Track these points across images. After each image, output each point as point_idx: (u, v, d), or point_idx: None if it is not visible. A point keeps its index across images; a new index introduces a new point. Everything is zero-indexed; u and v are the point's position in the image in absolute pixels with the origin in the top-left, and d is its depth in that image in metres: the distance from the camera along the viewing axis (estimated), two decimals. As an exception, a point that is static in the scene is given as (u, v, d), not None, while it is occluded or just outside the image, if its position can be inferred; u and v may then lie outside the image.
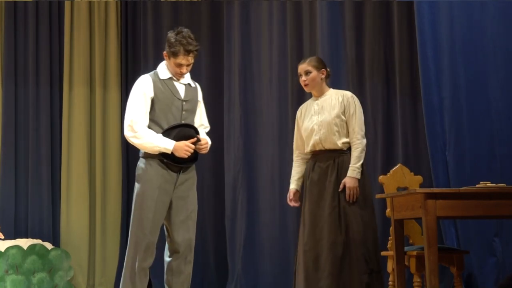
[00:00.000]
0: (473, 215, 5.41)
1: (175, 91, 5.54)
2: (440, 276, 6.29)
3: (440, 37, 6.81)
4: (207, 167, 8.85)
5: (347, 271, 6.07)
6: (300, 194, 6.39)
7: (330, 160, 6.22)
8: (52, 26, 9.29)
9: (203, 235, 8.80)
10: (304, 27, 8.12)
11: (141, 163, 5.50)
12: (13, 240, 8.69)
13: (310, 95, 7.94)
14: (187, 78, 5.64)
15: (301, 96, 8.05)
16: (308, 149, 6.31)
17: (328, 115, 6.22)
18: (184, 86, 5.60)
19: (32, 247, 8.57)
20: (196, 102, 5.65)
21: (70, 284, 8.76)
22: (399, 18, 7.32)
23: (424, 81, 6.84)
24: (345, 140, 6.21)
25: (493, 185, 5.39)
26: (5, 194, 9.01)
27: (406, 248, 5.88)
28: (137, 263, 5.40)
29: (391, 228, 5.88)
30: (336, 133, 6.19)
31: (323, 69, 6.29)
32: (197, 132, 5.58)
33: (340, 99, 6.23)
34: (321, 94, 6.33)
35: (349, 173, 6.10)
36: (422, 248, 5.66)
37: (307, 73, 6.29)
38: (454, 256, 5.96)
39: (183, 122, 5.53)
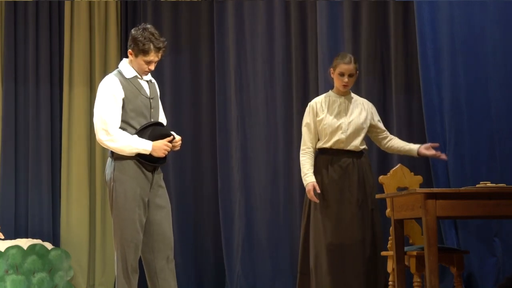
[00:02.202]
0: (473, 215, 5.41)
1: (141, 90, 5.43)
2: (440, 276, 6.29)
3: (440, 37, 6.81)
4: (204, 167, 8.85)
5: (375, 270, 6.10)
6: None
7: (349, 159, 6.22)
8: (52, 26, 9.29)
9: (201, 236, 8.80)
10: (304, 26, 8.12)
11: (115, 164, 5.35)
12: (13, 240, 8.69)
13: (312, 94, 7.97)
14: (148, 75, 5.52)
15: (303, 96, 8.06)
16: (327, 144, 6.25)
17: (357, 118, 6.24)
18: (147, 83, 5.49)
19: (32, 247, 8.57)
20: (158, 98, 5.57)
21: (70, 284, 8.76)
22: (396, 17, 7.32)
23: (424, 81, 6.84)
24: (363, 146, 6.26)
25: (493, 185, 5.40)
26: (5, 194, 9.01)
27: (406, 248, 5.88)
28: (128, 265, 5.35)
29: (391, 228, 5.88)
30: (359, 137, 6.22)
31: (357, 72, 6.33)
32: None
33: (366, 106, 6.30)
34: (347, 94, 6.33)
35: (413, 146, 6.30)
36: (422, 248, 5.66)
37: (351, 75, 6.28)
38: (454, 256, 5.96)
39: (152, 120, 5.46)
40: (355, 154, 6.25)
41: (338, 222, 6.15)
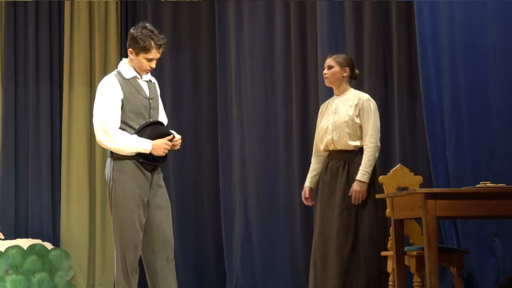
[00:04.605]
0: (473, 215, 5.41)
1: (140, 90, 5.43)
2: (440, 276, 6.29)
3: (440, 37, 6.80)
4: (204, 167, 8.85)
5: (354, 272, 6.09)
6: (315, 192, 6.45)
7: (341, 160, 6.26)
8: (52, 26, 9.29)
9: (201, 235, 8.80)
10: (304, 26, 8.12)
11: (115, 164, 5.36)
12: (13, 240, 8.69)
13: (312, 94, 7.98)
14: (147, 75, 5.53)
15: (304, 96, 8.06)
16: (321, 147, 6.37)
17: (342, 116, 6.24)
18: (146, 84, 5.49)
19: (32, 247, 8.57)
20: (158, 98, 5.57)
21: (70, 284, 8.76)
22: (398, 17, 7.32)
23: (424, 81, 6.83)
24: (356, 142, 6.24)
25: (493, 185, 5.39)
26: (5, 194, 9.02)
27: (406, 248, 5.88)
28: (128, 264, 5.34)
29: (391, 228, 5.88)
30: (347, 135, 6.22)
31: (346, 67, 6.32)
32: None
33: (356, 101, 6.25)
34: (341, 92, 6.37)
35: (358, 176, 6.14)
36: (422, 248, 5.66)
37: (329, 67, 6.35)
38: (454, 256, 5.95)
39: (151, 120, 5.45)
40: (349, 153, 6.26)
41: (323, 223, 6.25)
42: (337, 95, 6.39)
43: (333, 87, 6.42)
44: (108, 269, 9.01)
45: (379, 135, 6.25)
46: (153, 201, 5.41)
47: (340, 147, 6.25)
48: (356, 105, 6.25)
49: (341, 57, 6.38)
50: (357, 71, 6.42)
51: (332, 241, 6.15)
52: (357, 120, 6.23)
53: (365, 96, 6.32)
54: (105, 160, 9.04)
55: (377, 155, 6.21)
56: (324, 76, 6.38)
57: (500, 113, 6.62)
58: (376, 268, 6.12)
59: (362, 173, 6.14)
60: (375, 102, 6.32)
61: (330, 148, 6.30)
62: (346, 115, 6.24)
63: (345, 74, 6.33)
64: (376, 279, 6.12)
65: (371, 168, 6.15)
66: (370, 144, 6.19)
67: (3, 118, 9.11)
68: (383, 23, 7.46)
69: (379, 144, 6.23)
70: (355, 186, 6.13)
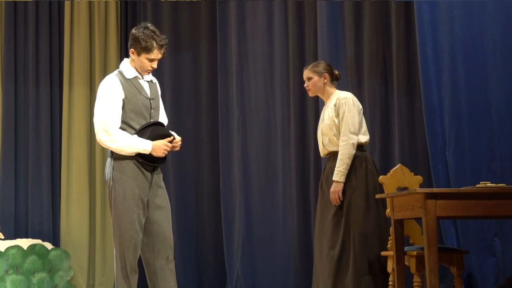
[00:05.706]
0: (473, 215, 5.41)
1: (142, 90, 5.44)
2: (440, 276, 6.29)
3: (440, 37, 6.80)
4: (204, 167, 8.85)
5: (344, 272, 6.10)
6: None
7: (335, 161, 6.26)
8: (52, 26, 9.29)
9: (202, 236, 8.80)
10: (304, 26, 8.13)
11: (115, 164, 5.36)
12: (13, 240, 8.69)
13: (312, 96, 7.99)
14: (149, 75, 5.53)
15: (302, 96, 8.06)
16: (321, 154, 6.46)
17: (326, 119, 6.34)
18: (147, 84, 5.50)
19: (32, 247, 8.57)
20: (159, 98, 5.58)
21: (70, 284, 8.76)
22: (397, 17, 7.32)
23: (424, 81, 6.83)
24: None
25: (493, 185, 5.39)
26: (5, 194, 9.02)
27: (406, 248, 5.88)
28: (127, 264, 5.35)
29: (391, 228, 5.88)
30: (334, 136, 6.25)
31: (325, 74, 6.33)
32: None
33: (335, 101, 6.28)
34: (327, 98, 6.45)
35: (333, 176, 6.19)
36: (422, 248, 5.66)
37: (308, 79, 6.38)
38: (454, 256, 5.95)
39: (152, 121, 5.46)
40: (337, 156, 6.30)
41: (320, 225, 6.31)
42: (325, 101, 6.44)
43: (319, 96, 6.46)
44: (108, 269, 9.01)
45: (355, 130, 6.22)
46: (153, 201, 5.42)
47: (332, 149, 6.28)
48: (335, 105, 6.28)
49: (316, 65, 6.43)
50: (336, 72, 6.44)
51: (325, 242, 6.19)
52: (337, 120, 6.26)
53: (343, 95, 6.33)
54: (105, 160, 9.06)
55: (352, 152, 6.19)
56: (306, 88, 6.43)
57: (500, 113, 6.62)
58: (368, 269, 6.13)
59: (336, 173, 6.19)
60: (354, 99, 6.31)
61: (325, 153, 6.38)
62: (328, 118, 6.29)
63: (325, 81, 6.37)
64: (366, 280, 6.11)
65: (344, 167, 6.17)
66: (342, 143, 6.21)
67: (3, 118, 9.11)
68: (383, 23, 7.46)
69: (353, 140, 6.20)
70: (332, 186, 6.19)
